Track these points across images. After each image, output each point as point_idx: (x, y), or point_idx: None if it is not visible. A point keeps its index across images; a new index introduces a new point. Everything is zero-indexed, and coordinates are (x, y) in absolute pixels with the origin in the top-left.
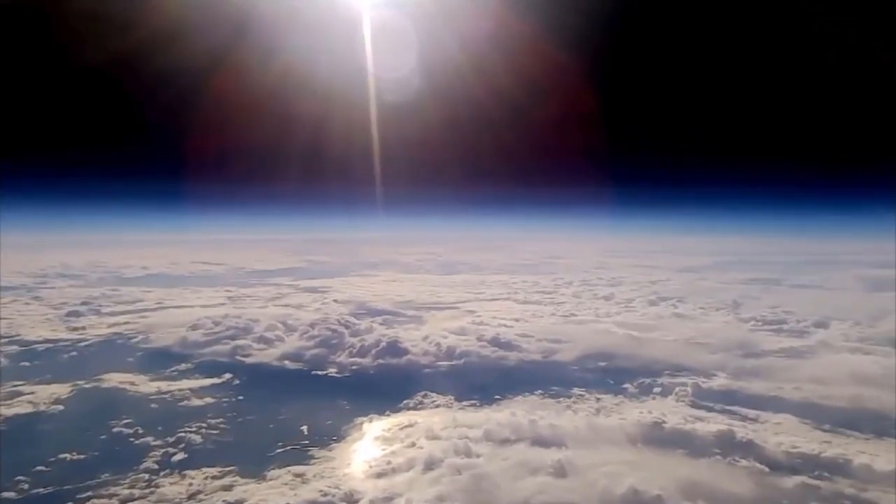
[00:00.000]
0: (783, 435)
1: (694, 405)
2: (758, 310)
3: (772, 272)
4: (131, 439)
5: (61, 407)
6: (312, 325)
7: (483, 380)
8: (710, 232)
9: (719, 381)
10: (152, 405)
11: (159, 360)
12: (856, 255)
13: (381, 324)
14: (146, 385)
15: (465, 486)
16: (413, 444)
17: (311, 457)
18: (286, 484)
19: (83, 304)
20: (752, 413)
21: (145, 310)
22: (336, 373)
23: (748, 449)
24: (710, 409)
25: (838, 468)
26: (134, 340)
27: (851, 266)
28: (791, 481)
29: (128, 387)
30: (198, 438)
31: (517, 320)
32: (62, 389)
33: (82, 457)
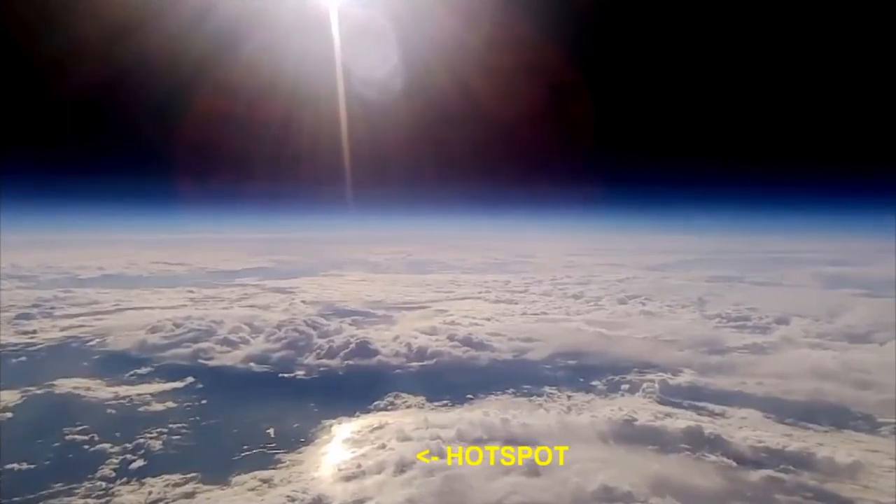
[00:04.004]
0: (748, 429)
1: (661, 401)
2: (722, 307)
3: (733, 270)
4: (86, 447)
5: (10, 414)
6: (279, 327)
7: (455, 379)
8: (672, 230)
9: (686, 378)
10: (109, 411)
11: (117, 364)
12: (809, 254)
13: (350, 324)
14: (103, 390)
15: (438, 488)
16: (384, 446)
17: (278, 461)
18: (252, 489)
19: (34, 306)
20: (718, 408)
21: (101, 312)
22: (304, 375)
23: (715, 444)
24: (677, 405)
25: (801, 461)
26: (89, 344)
27: (807, 264)
28: (757, 475)
29: (83, 392)
30: (158, 444)
31: (488, 319)
32: (11, 396)
33: (33, 466)
